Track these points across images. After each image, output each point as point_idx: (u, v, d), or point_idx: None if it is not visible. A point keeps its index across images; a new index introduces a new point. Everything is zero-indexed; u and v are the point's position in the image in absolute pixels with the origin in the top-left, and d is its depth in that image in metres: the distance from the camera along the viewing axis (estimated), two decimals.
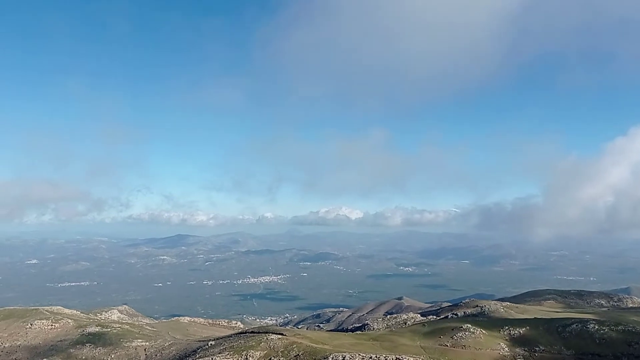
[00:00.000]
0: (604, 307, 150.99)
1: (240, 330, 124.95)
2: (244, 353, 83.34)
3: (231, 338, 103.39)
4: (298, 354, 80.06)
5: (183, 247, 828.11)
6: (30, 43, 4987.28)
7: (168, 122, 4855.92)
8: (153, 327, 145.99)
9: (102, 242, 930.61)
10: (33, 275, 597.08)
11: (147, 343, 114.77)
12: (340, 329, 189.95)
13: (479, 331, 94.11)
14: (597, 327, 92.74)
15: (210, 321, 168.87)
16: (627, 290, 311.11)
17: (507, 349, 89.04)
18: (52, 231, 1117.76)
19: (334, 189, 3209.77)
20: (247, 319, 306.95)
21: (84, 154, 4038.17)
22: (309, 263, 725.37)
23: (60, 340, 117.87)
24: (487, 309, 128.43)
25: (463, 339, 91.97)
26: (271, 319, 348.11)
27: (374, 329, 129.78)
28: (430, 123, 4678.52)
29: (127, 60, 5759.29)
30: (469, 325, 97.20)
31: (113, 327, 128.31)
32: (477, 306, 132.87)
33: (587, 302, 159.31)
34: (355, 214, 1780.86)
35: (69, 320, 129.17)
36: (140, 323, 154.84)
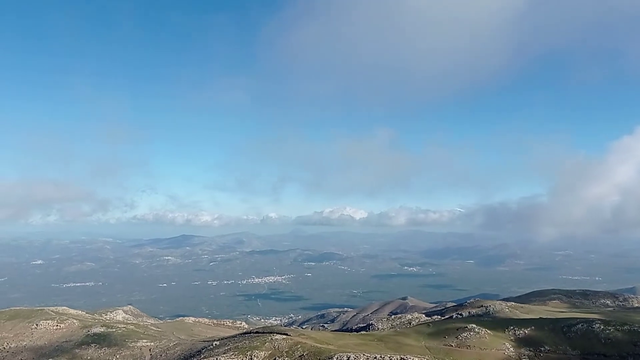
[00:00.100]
0: (610, 307, 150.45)
1: (244, 331, 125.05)
2: (248, 353, 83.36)
3: (236, 338, 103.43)
4: (303, 354, 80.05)
5: (187, 248, 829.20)
6: (33, 43, 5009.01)
7: (172, 122, 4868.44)
8: (158, 328, 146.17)
9: (107, 242, 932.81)
10: (38, 275, 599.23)
11: (152, 343, 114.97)
12: (344, 329, 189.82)
13: (484, 331, 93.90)
14: (602, 327, 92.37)
15: (214, 321, 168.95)
16: (632, 290, 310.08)
17: (512, 349, 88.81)
18: (57, 232, 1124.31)
19: (338, 189, 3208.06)
20: (251, 319, 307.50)
21: (89, 155, 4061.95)
22: (313, 263, 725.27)
23: (66, 341, 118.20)
24: (492, 309, 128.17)
25: (468, 339, 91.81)
26: (275, 319, 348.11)
27: (378, 329, 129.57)
28: (435, 122, 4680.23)
29: (131, 61, 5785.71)
30: (474, 326, 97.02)
31: (118, 327, 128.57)
32: (482, 306, 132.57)
33: (592, 302, 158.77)
34: (360, 214, 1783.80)
35: (74, 321, 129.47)
36: (145, 323, 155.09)
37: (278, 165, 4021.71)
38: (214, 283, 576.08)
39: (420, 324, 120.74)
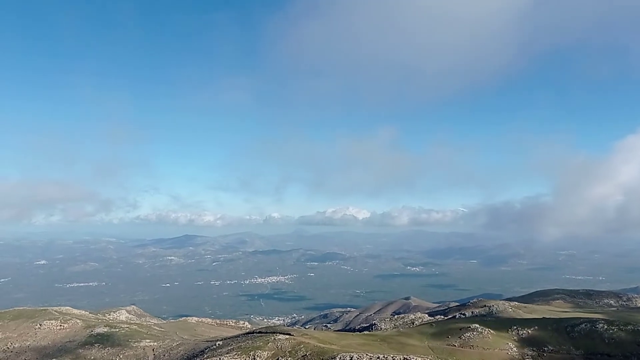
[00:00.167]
0: (613, 306, 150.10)
1: (247, 331, 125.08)
2: (251, 353, 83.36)
3: (239, 338, 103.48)
4: (305, 354, 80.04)
5: (190, 248, 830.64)
6: (35, 44, 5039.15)
7: (175, 122, 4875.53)
8: (161, 327, 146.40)
9: (110, 242, 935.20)
10: (42, 275, 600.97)
11: (155, 343, 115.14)
12: (347, 329, 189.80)
13: (487, 331, 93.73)
14: (606, 327, 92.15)
15: (217, 321, 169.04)
16: (636, 290, 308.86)
17: (515, 349, 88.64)
18: (61, 232, 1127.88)
19: (341, 189, 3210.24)
20: (254, 319, 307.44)
21: (92, 155, 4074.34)
22: (316, 263, 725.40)
23: (69, 341, 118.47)
24: (495, 309, 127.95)
25: (471, 339, 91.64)
26: (278, 319, 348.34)
27: (381, 329, 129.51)
28: (438, 122, 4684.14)
29: (133, 61, 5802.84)
30: (477, 326, 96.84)
31: (121, 327, 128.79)
32: (485, 306, 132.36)
33: (596, 302, 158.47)
34: (362, 213, 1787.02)
35: (78, 321, 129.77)
36: (148, 323, 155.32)
37: (281, 165, 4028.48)
38: (217, 283, 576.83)
39: (423, 324, 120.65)
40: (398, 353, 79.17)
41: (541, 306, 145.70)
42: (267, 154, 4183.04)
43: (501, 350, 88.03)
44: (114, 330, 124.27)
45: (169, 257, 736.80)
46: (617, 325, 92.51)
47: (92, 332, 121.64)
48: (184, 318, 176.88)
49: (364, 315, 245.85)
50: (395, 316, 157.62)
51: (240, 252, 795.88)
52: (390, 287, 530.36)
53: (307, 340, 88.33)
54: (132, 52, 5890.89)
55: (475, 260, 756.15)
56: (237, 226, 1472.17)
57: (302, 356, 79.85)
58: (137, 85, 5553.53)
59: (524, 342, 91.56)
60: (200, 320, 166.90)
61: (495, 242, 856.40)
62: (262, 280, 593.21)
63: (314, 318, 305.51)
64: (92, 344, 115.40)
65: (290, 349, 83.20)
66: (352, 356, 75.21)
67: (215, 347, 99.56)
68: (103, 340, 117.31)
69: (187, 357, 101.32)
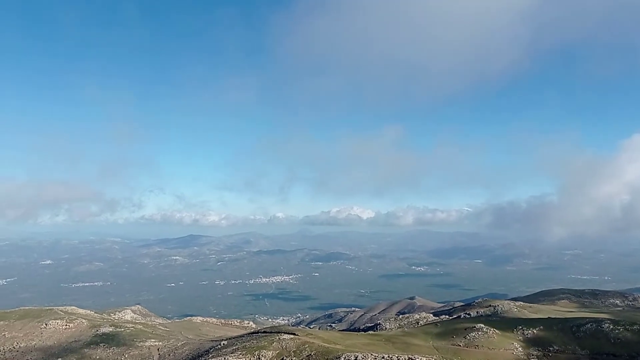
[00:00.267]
0: (619, 306, 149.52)
1: (252, 330, 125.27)
2: (256, 353, 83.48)
3: (243, 338, 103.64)
4: (310, 354, 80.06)
5: (195, 248, 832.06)
6: (40, 45, 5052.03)
7: (180, 121, 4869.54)
8: (166, 327, 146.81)
9: (115, 242, 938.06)
10: (47, 275, 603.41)
11: (160, 343, 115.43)
12: (352, 329, 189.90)
13: (492, 331, 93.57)
14: (611, 326, 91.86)
15: (222, 321, 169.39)
16: None
17: (520, 349, 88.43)
18: (66, 232, 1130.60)
19: (345, 189, 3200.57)
20: (259, 319, 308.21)
21: (97, 155, 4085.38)
22: (320, 263, 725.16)
23: (75, 341, 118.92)
24: (500, 309, 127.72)
25: (476, 339, 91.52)
26: (283, 319, 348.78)
27: (386, 328, 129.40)
28: (443, 121, 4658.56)
29: (138, 61, 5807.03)
30: (482, 325, 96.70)
31: (126, 327, 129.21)
32: (490, 306, 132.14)
33: (601, 302, 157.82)
34: (367, 213, 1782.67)
35: (83, 320, 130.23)
36: (153, 323, 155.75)
37: (285, 165, 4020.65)
38: (222, 283, 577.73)
39: (428, 323, 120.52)
40: (403, 353, 79.06)
41: (546, 306, 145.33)
42: (272, 154, 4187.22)
43: (506, 350, 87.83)
44: (119, 329, 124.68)
45: (174, 257, 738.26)
46: (623, 325, 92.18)
47: (98, 332, 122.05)
48: (188, 318, 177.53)
49: (368, 315, 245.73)
50: (400, 316, 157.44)
51: (245, 252, 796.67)
52: (394, 287, 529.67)
53: (311, 340, 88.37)
54: (137, 52, 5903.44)
55: (480, 260, 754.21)
56: (242, 226, 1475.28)
57: (307, 356, 79.88)
58: (142, 85, 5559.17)
59: (529, 342, 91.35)
60: (205, 320, 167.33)
61: (500, 241, 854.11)
62: (267, 280, 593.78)
63: (319, 318, 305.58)
64: (97, 344, 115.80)
65: (294, 349, 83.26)
66: (357, 356, 75.15)
67: (220, 346, 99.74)
68: (108, 339, 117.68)
69: (192, 356, 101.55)
